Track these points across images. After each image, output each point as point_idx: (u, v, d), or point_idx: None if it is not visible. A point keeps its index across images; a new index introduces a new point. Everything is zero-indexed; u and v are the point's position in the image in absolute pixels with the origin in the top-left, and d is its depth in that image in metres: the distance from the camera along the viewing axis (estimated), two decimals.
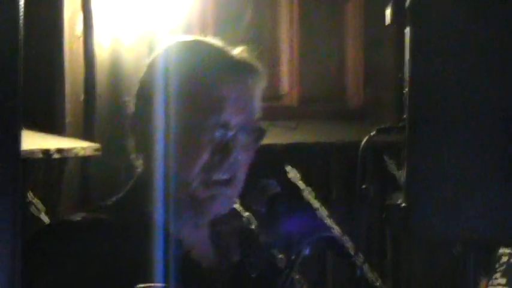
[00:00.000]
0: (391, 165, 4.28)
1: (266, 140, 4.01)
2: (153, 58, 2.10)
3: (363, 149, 2.76)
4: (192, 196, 1.99)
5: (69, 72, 3.79)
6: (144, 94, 2.04)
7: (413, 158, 2.34)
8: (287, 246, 2.01)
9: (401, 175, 2.37)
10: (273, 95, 4.55)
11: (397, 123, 2.45)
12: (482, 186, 2.30)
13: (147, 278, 1.83)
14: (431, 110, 2.34)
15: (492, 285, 2.90)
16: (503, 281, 2.91)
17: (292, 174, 4.15)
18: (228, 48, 2.08)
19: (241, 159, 2.02)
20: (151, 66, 2.08)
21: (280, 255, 2.19)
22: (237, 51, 2.08)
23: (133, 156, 2.07)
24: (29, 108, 3.15)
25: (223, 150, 1.99)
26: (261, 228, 3.42)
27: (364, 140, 2.75)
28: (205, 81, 1.99)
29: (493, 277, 2.91)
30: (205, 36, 2.11)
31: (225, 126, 1.99)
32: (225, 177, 2.00)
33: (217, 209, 2.04)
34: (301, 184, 4.12)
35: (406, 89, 2.31)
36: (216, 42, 2.09)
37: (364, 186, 2.80)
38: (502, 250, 2.91)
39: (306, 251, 1.95)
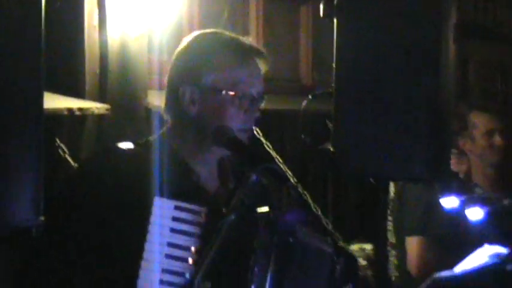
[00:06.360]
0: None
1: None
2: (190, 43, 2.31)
3: (304, 108, 3.12)
4: (229, 139, 2.22)
5: (88, 53, 4.25)
6: (188, 70, 2.25)
7: (339, 114, 2.72)
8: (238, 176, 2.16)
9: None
10: None
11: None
12: (390, 137, 2.66)
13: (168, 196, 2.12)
14: (353, 79, 2.71)
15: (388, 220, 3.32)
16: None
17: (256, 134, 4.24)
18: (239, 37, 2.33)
19: (254, 116, 2.31)
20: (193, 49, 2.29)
21: None
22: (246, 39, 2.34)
23: (164, 112, 2.32)
24: (58, 79, 3.75)
25: (247, 110, 2.26)
26: None
27: (304, 102, 3.13)
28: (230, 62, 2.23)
29: (388, 216, 3.28)
30: (193, 31, 2.29)
31: (247, 96, 2.25)
32: (246, 127, 2.27)
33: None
34: (262, 141, 4.46)
35: (334, 64, 2.71)
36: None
37: (303, 136, 3.12)
38: (393, 195, 3.33)
39: (254, 178, 2.12)
